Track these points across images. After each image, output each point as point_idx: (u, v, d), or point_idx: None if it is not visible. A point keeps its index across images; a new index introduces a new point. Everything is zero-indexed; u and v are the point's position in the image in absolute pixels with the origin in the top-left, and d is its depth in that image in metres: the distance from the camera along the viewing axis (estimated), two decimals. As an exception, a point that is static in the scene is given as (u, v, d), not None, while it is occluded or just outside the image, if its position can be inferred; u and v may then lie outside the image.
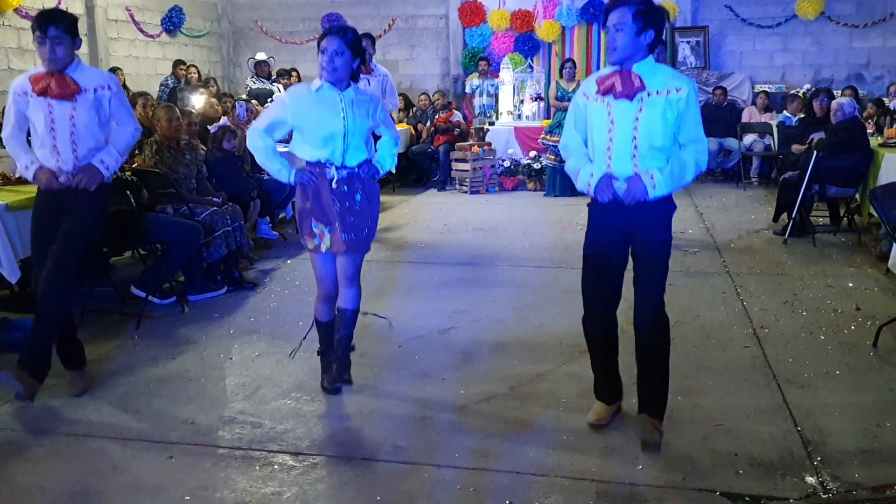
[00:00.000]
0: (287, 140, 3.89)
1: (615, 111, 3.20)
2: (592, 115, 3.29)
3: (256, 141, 3.69)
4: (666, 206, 3.29)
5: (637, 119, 3.17)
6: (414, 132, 11.72)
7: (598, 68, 12.90)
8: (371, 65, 7.00)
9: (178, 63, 11.95)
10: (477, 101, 12.13)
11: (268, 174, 7.47)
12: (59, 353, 4.00)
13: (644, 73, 3.18)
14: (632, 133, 3.19)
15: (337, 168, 3.66)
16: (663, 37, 3.27)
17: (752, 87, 12.39)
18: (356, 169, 3.70)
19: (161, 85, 11.82)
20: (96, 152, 3.87)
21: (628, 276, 3.41)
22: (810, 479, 3.08)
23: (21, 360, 3.85)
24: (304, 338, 4.26)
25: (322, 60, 3.58)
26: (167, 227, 5.42)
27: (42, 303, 3.79)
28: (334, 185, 3.67)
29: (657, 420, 3.35)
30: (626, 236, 3.32)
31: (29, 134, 3.95)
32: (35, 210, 3.99)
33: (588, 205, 3.44)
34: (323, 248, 3.77)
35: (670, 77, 3.21)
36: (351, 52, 3.59)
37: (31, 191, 5.06)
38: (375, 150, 3.90)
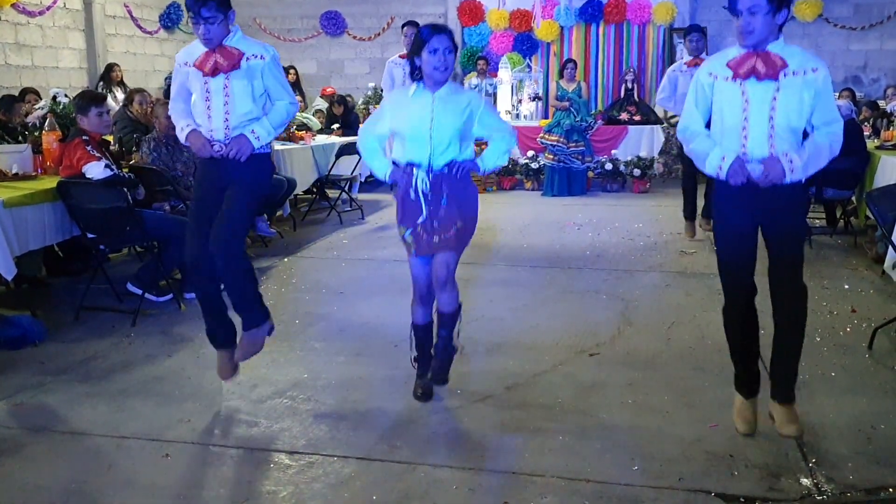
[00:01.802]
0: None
1: (750, 92, 3.12)
2: (722, 96, 3.20)
3: (364, 142, 3.80)
4: (799, 189, 3.23)
5: (775, 99, 3.10)
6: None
7: (596, 68, 12.94)
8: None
9: (177, 57, 11.94)
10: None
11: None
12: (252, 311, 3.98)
13: (781, 52, 3.11)
14: (768, 114, 3.11)
15: (424, 170, 3.60)
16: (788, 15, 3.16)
17: (750, 89, 12.40)
18: (444, 169, 3.59)
19: (165, 80, 11.82)
20: (250, 123, 3.79)
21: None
22: (805, 481, 3.09)
23: (245, 326, 3.94)
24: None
25: (433, 61, 3.48)
26: (164, 224, 5.41)
27: (226, 271, 3.82)
28: (419, 188, 3.61)
29: (792, 405, 3.32)
30: (757, 221, 3.26)
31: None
32: (196, 179, 4.02)
33: (714, 190, 3.37)
34: (410, 251, 3.75)
35: (805, 57, 3.14)
36: (454, 47, 3.55)
37: (28, 187, 5.07)
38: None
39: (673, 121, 10.55)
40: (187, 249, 3.89)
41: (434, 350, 3.86)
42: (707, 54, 7.36)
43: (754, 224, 3.28)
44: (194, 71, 3.76)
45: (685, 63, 7.25)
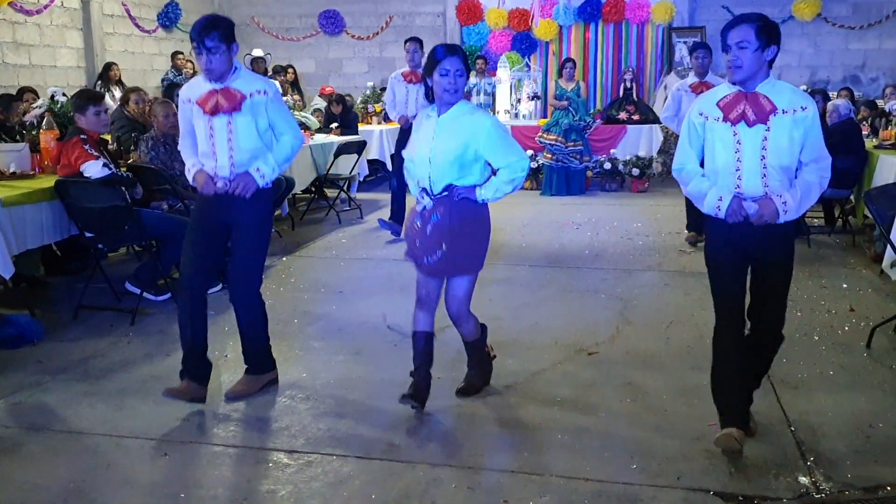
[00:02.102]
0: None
1: (742, 133, 3.15)
2: (715, 137, 3.22)
3: (406, 164, 3.76)
4: (790, 225, 3.25)
5: (765, 139, 3.13)
6: (410, 130, 11.71)
7: (595, 68, 12.94)
8: (420, 71, 6.88)
9: (176, 53, 11.94)
10: (474, 100, 12.10)
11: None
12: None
13: (769, 93, 3.14)
14: (760, 153, 3.14)
15: (427, 194, 3.58)
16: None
17: (749, 88, 12.40)
18: (443, 193, 3.54)
19: (162, 80, 11.81)
20: (254, 160, 3.77)
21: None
22: (803, 480, 3.09)
23: (248, 370, 4.00)
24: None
25: (443, 82, 3.46)
26: (162, 223, 5.41)
27: (242, 316, 3.94)
28: (420, 211, 3.63)
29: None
30: (749, 254, 3.29)
31: None
32: (195, 220, 3.98)
33: (706, 224, 3.40)
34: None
35: (795, 96, 3.16)
36: (466, 69, 3.52)
37: (25, 186, 5.07)
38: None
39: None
40: (182, 279, 3.90)
41: (468, 364, 3.97)
42: (712, 66, 7.30)
43: (746, 260, 3.32)
44: (197, 108, 3.76)
45: (690, 86, 7.11)
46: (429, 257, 3.61)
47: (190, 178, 3.89)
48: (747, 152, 3.16)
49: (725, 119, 3.18)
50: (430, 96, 3.58)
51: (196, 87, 3.82)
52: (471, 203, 3.55)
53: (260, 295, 3.96)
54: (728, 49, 3.12)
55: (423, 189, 3.58)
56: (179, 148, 4.04)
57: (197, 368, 3.85)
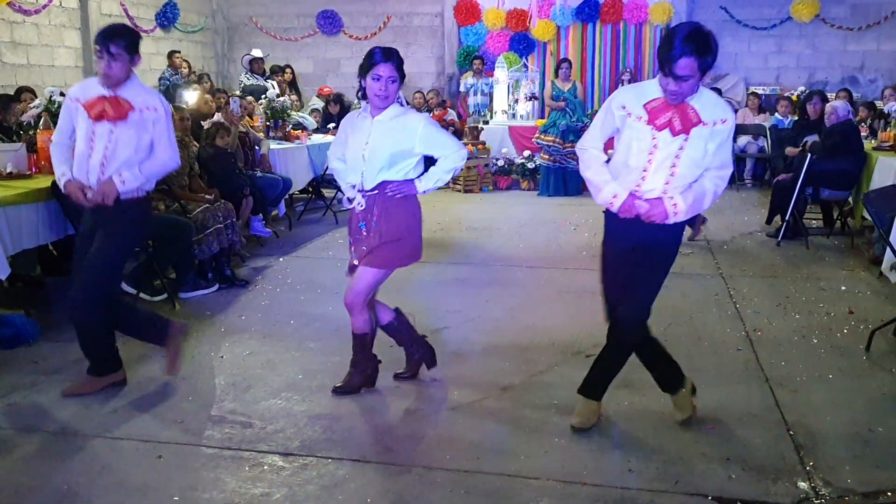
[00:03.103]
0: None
1: (660, 139, 3.16)
2: (633, 134, 3.22)
3: (333, 164, 3.94)
4: (678, 232, 3.31)
5: (682, 149, 3.15)
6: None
7: (593, 68, 12.93)
8: None
9: (172, 53, 11.90)
10: (471, 100, 12.12)
11: (260, 171, 7.48)
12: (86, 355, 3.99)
13: (696, 104, 3.14)
14: (672, 161, 3.18)
15: (361, 192, 3.67)
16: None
17: (747, 89, 12.41)
18: (375, 192, 3.65)
19: (160, 79, 11.76)
20: (122, 170, 3.79)
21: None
22: (802, 484, 3.07)
23: (88, 369, 3.98)
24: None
25: (375, 87, 3.52)
26: (159, 223, 5.37)
27: (74, 318, 3.88)
28: (357, 209, 3.72)
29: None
30: (635, 246, 3.32)
31: None
32: (78, 229, 4.04)
33: (605, 212, 3.42)
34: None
35: (717, 108, 3.18)
36: (400, 76, 3.58)
37: (22, 186, 5.03)
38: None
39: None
40: (70, 292, 3.89)
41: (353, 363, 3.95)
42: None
43: (632, 250, 3.34)
44: (83, 111, 3.76)
45: None
46: (363, 255, 3.73)
47: (61, 185, 3.87)
48: (659, 159, 3.19)
49: (650, 122, 3.18)
50: (359, 95, 3.67)
51: (87, 89, 3.83)
52: (404, 199, 3.65)
53: (109, 297, 3.91)
54: (667, 75, 3.08)
55: (354, 186, 3.69)
56: (51, 148, 3.97)
57: (106, 362, 3.95)
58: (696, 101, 3.15)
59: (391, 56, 3.55)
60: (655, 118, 3.16)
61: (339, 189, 9.07)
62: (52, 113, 6.07)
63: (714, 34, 3.11)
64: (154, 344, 4.15)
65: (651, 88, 3.24)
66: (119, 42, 3.67)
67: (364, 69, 3.57)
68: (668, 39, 3.08)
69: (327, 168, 8.88)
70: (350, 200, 3.74)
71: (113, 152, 3.76)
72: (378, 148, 3.58)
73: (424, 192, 3.70)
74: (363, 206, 3.67)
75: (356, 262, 3.77)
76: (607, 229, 3.44)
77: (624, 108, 3.27)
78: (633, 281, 3.32)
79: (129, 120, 3.75)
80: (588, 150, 3.40)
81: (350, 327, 3.89)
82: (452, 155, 3.67)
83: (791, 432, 3.50)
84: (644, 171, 3.21)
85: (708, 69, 3.09)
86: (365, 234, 3.71)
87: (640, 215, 3.21)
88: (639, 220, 3.24)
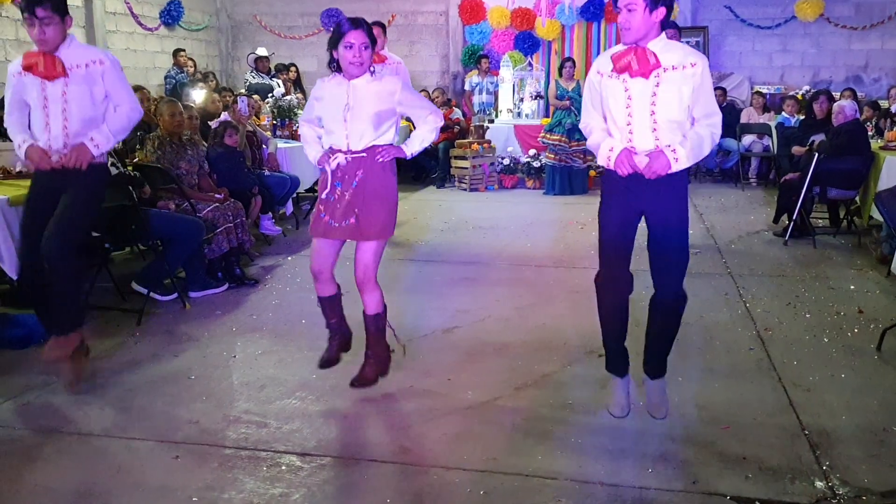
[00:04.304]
0: None
1: (632, 88, 3.23)
2: (609, 92, 3.30)
3: (303, 129, 3.92)
4: (681, 179, 3.33)
5: (654, 94, 3.20)
6: (413, 129, 11.68)
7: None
8: (383, 53, 6.86)
9: (178, 51, 11.91)
10: (476, 99, 12.12)
11: (268, 170, 7.47)
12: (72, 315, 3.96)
13: (658, 50, 3.20)
14: (650, 108, 3.22)
15: (343, 153, 3.66)
16: (672, 11, 3.29)
17: (751, 88, 12.41)
18: (363, 154, 3.65)
19: (166, 77, 11.76)
20: (88, 130, 3.83)
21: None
22: (819, 484, 3.08)
23: (55, 332, 3.93)
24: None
25: (349, 55, 3.55)
26: (169, 222, 5.38)
27: (54, 270, 3.81)
28: (336, 171, 3.69)
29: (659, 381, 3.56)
30: (642, 209, 3.35)
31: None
32: (31, 192, 3.97)
33: (602, 177, 3.45)
34: (313, 231, 3.80)
35: (684, 52, 3.25)
36: (371, 42, 3.61)
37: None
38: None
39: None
40: (20, 258, 3.93)
41: (366, 353, 3.90)
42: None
43: (638, 213, 3.38)
44: (31, 78, 3.75)
45: None
46: (344, 221, 3.68)
47: (21, 153, 3.86)
48: (637, 107, 3.24)
49: (614, 70, 3.25)
50: (331, 66, 3.67)
51: (23, 59, 3.83)
52: (387, 166, 3.71)
53: (73, 254, 3.88)
54: (618, 10, 3.21)
55: (337, 150, 3.67)
56: (6, 125, 3.96)
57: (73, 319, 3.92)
58: (657, 47, 3.21)
59: (360, 23, 3.59)
60: (617, 62, 3.24)
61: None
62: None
63: None
64: (57, 329, 3.95)
65: (620, 48, 3.31)
66: (46, 4, 3.65)
67: (334, 40, 3.60)
68: None
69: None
70: (322, 164, 3.73)
71: (72, 113, 3.78)
72: (361, 108, 3.61)
73: (412, 155, 3.80)
74: (344, 164, 3.65)
75: (333, 224, 3.69)
76: (608, 195, 3.41)
77: (599, 72, 3.36)
78: (662, 260, 3.35)
79: (76, 76, 3.76)
80: (588, 124, 3.47)
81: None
82: (430, 116, 3.80)
83: (806, 432, 3.50)
84: (628, 124, 3.26)
85: (655, 5, 3.14)
86: (340, 192, 3.67)
87: (643, 172, 3.23)
88: (641, 183, 3.25)
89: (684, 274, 3.38)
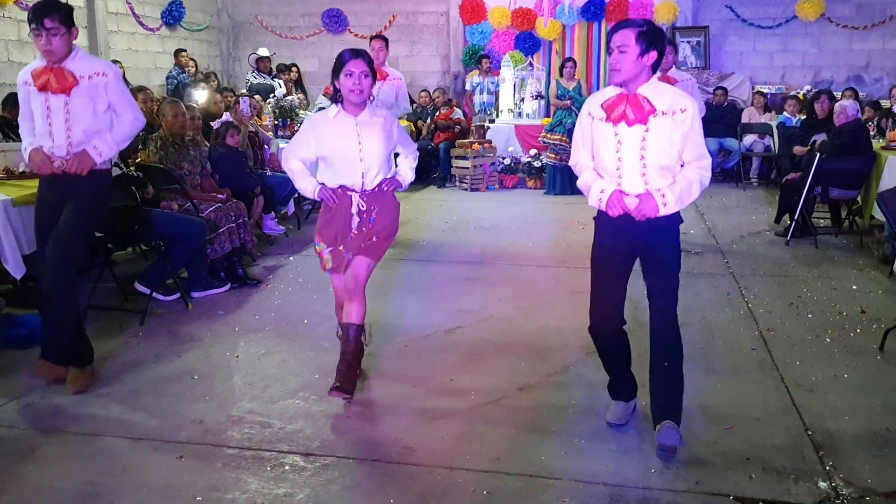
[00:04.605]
0: None
1: (622, 133, 3.23)
2: (598, 136, 3.31)
3: (290, 163, 3.90)
4: (674, 220, 3.33)
5: (644, 139, 3.20)
6: (414, 129, 11.70)
7: (598, 67, 12.93)
8: (384, 69, 6.87)
9: (178, 51, 11.91)
10: (477, 99, 12.11)
11: (270, 170, 7.47)
12: (64, 349, 3.99)
13: (649, 94, 3.20)
14: (639, 153, 3.22)
15: (359, 193, 3.77)
16: (662, 57, 3.27)
17: (752, 88, 12.42)
18: (375, 189, 3.80)
19: (167, 77, 11.76)
20: (92, 139, 3.88)
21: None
22: (823, 485, 3.08)
23: (42, 353, 4.00)
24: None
25: (349, 83, 3.63)
26: (172, 223, 5.39)
27: (47, 292, 3.87)
28: (354, 211, 3.77)
29: (676, 423, 3.28)
30: (634, 250, 3.36)
31: None
32: (38, 203, 4.04)
33: (594, 218, 3.46)
34: (326, 267, 3.90)
35: (674, 97, 3.24)
36: (372, 73, 3.69)
37: (36, 186, 5.02)
38: (396, 165, 4.00)
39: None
40: (42, 275, 3.94)
41: (340, 358, 3.87)
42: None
43: (630, 254, 3.39)
44: (34, 91, 3.81)
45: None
46: (357, 248, 3.80)
47: (25, 155, 3.91)
48: (627, 152, 3.25)
49: (608, 119, 3.26)
50: (336, 98, 3.75)
51: (30, 69, 3.88)
52: (394, 199, 3.92)
53: (74, 271, 3.98)
54: (610, 52, 3.21)
55: (347, 188, 3.76)
56: (20, 131, 4.04)
57: (61, 352, 3.96)
58: (650, 92, 3.21)
59: (360, 53, 3.69)
60: (611, 113, 3.24)
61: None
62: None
63: (666, 35, 3.21)
64: (48, 353, 3.99)
65: (608, 91, 3.33)
66: (53, 16, 3.69)
67: (336, 70, 3.68)
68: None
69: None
70: (325, 199, 3.79)
71: (75, 123, 3.83)
72: (374, 148, 3.73)
73: (406, 187, 3.98)
74: (364, 206, 3.78)
75: (349, 255, 3.81)
76: (601, 234, 3.44)
77: (589, 114, 3.36)
78: (657, 290, 3.34)
79: (80, 88, 3.81)
80: (579, 162, 3.48)
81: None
82: (414, 152, 4.07)
83: (809, 432, 3.51)
84: (618, 168, 3.27)
85: (647, 49, 3.14)
86: (360, 230, 3.79)
87: (631, 212, 3.24)
88: (633, 222, 3.26)
89: (675, 305, 3.35)
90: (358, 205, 3.76)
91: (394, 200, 3.93)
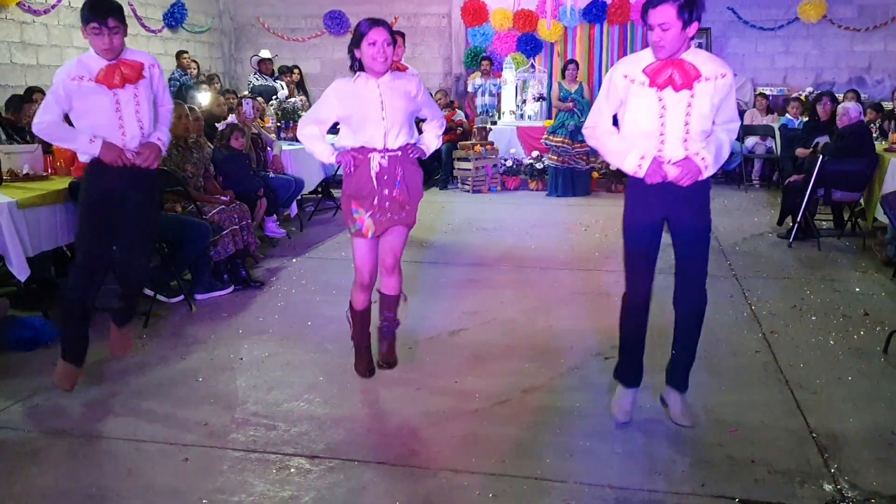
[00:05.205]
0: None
1: (667, 99, 3.23)
2: (639, 101, 3.28)
3: (306, 129, 3.83)
4: (705, 186, 3.37)
5: (690, 105, 3.22)
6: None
7: (600, 69, 12.92)
8: (402, 66, 6.85)
9: (180, 53, 11.91)
10: (479, 101, 12.12)
11: (273, 172, 7.48)
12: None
13: (693, 60, 3.21)
14: (684, 119, 3.24)
15: (379, 152, 3.68)
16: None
17: (754, 90, 12.41)
18: (398, 153, 3.70)
19: (170, 79, 11.76)
20: (155, 130, 3.99)
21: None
22: (828, 487, 3.08)
23: (119, 322, 4.24)
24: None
25: (372, 51, 3.56)
26: (176, 225, 5.39)
27: (126, 273, 4.09)
28: (376, 170, 3.69)
29: (683, 394, 3.56)
30: (666, 216, 3.38)
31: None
32: (89, 194, 3.92)
33: (626, 186, 3.46)
34: (368, 234, 3.76)
35: (714, 64, 3.26)
36: (393, 39, 3.64)
37: (39, 188, 5.05)
38: (420, 133, 3.95)
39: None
40: (90, 260, 3.95)
41: (381, 333, 3.99)
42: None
43: (662, 220, 3.42)
44: (95, 86, 3.75)
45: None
46: (396, 217, 3.75)
47: (95, 150, 3.79)
48: (671, 118, 3.25)
49: (652, 84, 3.24)
50: (353, 67, 3.69)
51: (87, 67, 3.78)
52: (416, 163, 3.82)
53: (147, 266, 4.25)
54: (651, 28, 3.18)
55: (368, 148, 3.68)
56: (53, 134, 3.88)
57: (80, 350, 4.00)
58: (692, 57, 3.22)
59: (381, 21, 3.63)
60: (656, 77, 3.23)
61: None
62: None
63: None
64: (119, 321, 4.25)
65: (646, 55, 3.31)
66: (116, 15, 3.74)
67: (356, 41, 3.62)
68: None
69: (338, 169, 8.91)
70: (345, 163, 3.72)
71: (144, 115, 3.89)
72: (396, 108, 3.65)
73: (429, 153, 3.90)
74: (386, 166, 3.69)
75: (381, 218, 3.73)
76: (633, 203, 3.43)
77: (626, 76, 3.32)
78: (688, 266, 3.42)
79: (145, 80, 3.88)
80: (598, 126, 3.45)
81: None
82: (440, 118, 3.98)
83: (814, 435, 3.51)
84: (661, 134, 3.27)
85: (689, 21, 3.14)
86: (388, 192, 3.71)
87: (672, 180, 3.25)
88: (666, 190, 3.28)
89: (706, 274, 3.43)
90: (379, 163, 3.68)
91: (418, 167, 3.85)
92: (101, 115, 3.81)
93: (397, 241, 3.83)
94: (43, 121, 3.83)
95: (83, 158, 3.93)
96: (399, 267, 3.90)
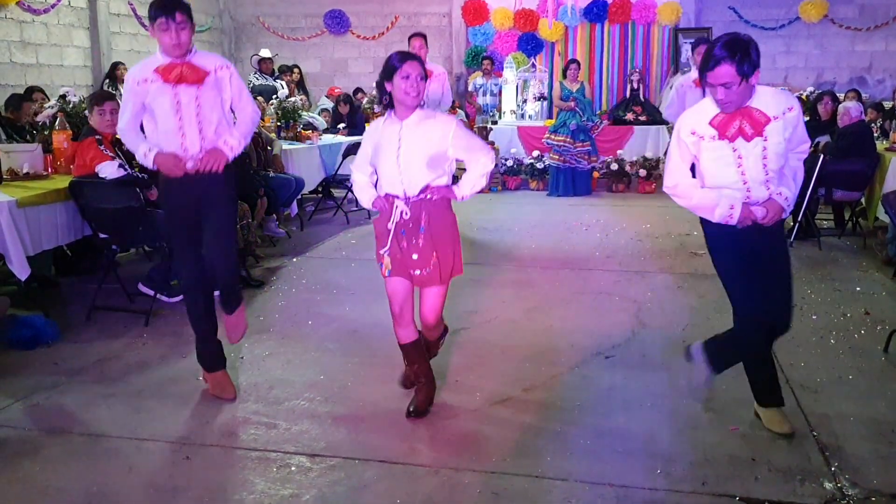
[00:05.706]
0: None
1: (742, 149, 3.23)
2: (713, 154, 3.29)
3: (354, 176, 3.74)
4: (781, 222, 3.43)
5: (765, 149, 3.22)
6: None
7: (601, 69, 12.94)
8: (428, 66, 6.78)
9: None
10: (480, 100, 12.12)
11: (273, 171, 7.47)
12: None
13: (758, 104, 3.21)
14: (762, 164, 3.25)
15: (403, 199, 3.53)
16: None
17: (755, 90, 12.41)
18: (421, 196, 3.52)
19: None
20: (220, 134, 3.80)
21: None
22: (829, 485, 3.08)
23: (199, 356, 4.08)
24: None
25: (404, 86, 3.44)
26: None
27: (225, 280, 3.98)
28: (398, 219, 3.54)
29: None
30: (751, 250, 3.38)
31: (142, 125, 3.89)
32: (169, 205, 3.90)
33: (708, 231, 3.46)
34: (385, 272, 3.64)
35: (777, 99, 3.25)
36: (425, 75, 3.53)
37: (40, 187, 5.05)
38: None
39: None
40: (185, 275, 3.96)
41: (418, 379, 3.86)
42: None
43: (751, 256, 3.40)
44: (159, 85, 3.68)
45: (693, 81, 7.04)
46: (423, 269, 3.57)
47: (149, 162, 3.75)
48: (750, 166, 3.26)
49: (722, 137, 3.24)
50: (384, 101, 3.57)
51: (151, 67, 3.72)
52: (444, 205, 3.59)
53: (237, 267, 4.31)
54: (713, 87, 3.14)
55: (394, 196, 3.55)
56: (124, 139, 3.89)
57: (218, 354, 4.02)
58: (757, 101, 3.21)
59: (412, 56, 3.53)
60: (725, 131, 3.23)
61: (349, 189, 9.12)
62: (67, 113, 6.10)
63: (753, 40, 3.14)
64: (228, 308, 4.10)
65: (709, 106, 3.29)
66: (183, 9, 3.64)
67: (388, 74, 3.48)
68: (706, 53, 3.15)
69: (338, 168, 8.91)
70: (379, 207, 3.61)
71: (205, 117, 3.74)
72: (412, 153, 3.48)
73: (462, 198, 3.57)
74: (408, 215, 3.53)
75: (414, 272, 3.59)
76: (717, 237, 3.43)
77: (693, 132, 3.32)
78: (776, 293, 3.46)
79: (209, 81, 3.74)
80: (680, 183, 3.43)
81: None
82: (483, 158, 3.55)
83: (815, 433, 3.51)
84: (744, 183, 3.27)
85: (750, 72, 3.11)
86: (413, 241, 3.55)
87: (761, 221, 3.28)
88: (751, 228, 3.31)
89: (792, 302, 3.54)
90: (402, 213, 3.53)
91: (448, 212, 3.62)
92: (162, 116, 3.73)
93: (435, 301, 3.70)
94: (119, 127, 3.86)
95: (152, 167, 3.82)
96: (441, 321, 3.84)
